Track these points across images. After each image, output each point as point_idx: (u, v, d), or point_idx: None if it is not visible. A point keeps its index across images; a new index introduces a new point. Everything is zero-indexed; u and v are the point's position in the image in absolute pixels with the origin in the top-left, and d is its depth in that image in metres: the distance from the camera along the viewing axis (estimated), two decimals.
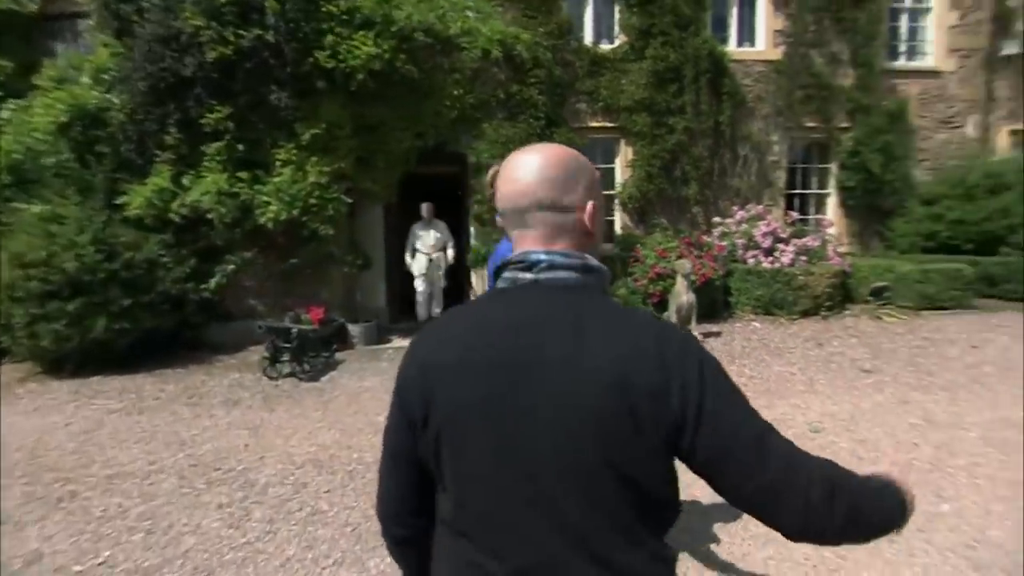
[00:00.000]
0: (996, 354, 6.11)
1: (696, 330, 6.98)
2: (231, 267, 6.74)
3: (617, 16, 9.28)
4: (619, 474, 0.82)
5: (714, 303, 8.05)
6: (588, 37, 9.29)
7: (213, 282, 6.67)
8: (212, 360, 6.65)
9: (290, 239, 6.90)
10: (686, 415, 0.81)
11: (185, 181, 6.44)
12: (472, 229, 8.12)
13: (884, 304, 7.87)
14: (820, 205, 10.22)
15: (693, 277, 7.20)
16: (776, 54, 9.54)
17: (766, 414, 0.87)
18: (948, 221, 8.90)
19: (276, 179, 6.44)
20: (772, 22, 9.54)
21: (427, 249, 7.52)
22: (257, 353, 6.85)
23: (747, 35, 9.74)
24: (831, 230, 9.29)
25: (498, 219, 0.99)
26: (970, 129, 10.13)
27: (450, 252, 7.71)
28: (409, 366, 0.95)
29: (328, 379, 6.03)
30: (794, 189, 10.05)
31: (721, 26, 9.60)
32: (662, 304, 7.96)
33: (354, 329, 7.24)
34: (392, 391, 0.97)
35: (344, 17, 6.34)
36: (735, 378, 0.89)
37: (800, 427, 4.34)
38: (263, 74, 6.38)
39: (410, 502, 0.99)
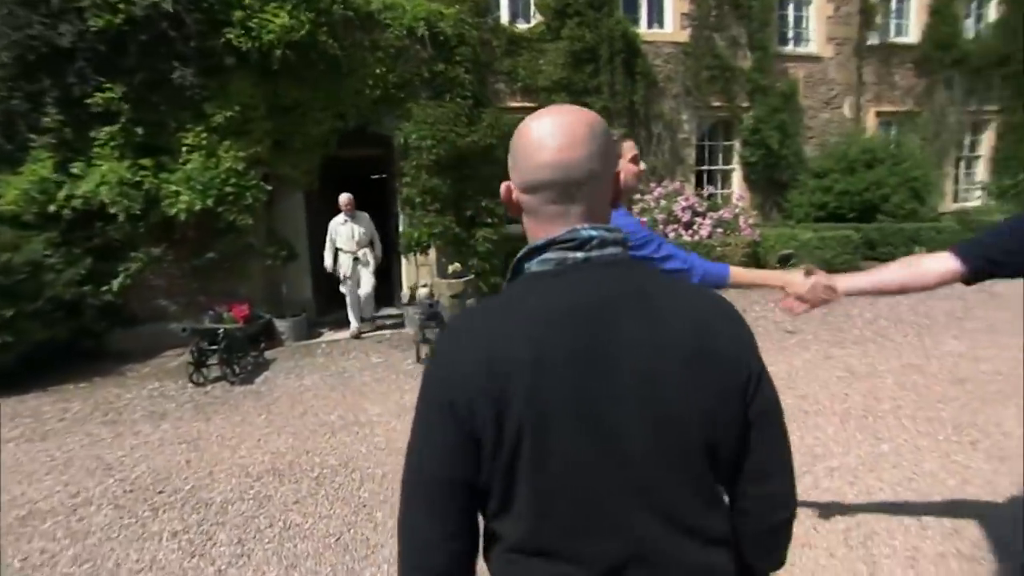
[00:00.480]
0: (887, 309, 6.93)
1: None
2: (136, 265, 5.99)
3: None
4: (707, 444, 0.82)
5: None
6: (504, 16, 9.20)
7: (116, 283, 5.89)
8: (122, 370, 5.93)
9: (203, 231, 6.26)
10: (751, 376, 0.84)
11: (74, 170, 5.60)
12: (401, 214, 7.81)
13: (791, 269, 8.61)
14: (725, 180, 10.95)
15: None
16: (683, 36, 9.99)
17: None
18: (835, 192, 9.92)
19: (186, 166, 5.79)
20: (679, 5, 9.96)
21: (350, 247, 6.69)
22: (174, 359, 6.23)
23: (656, 17, 10.11)
24: (741, 203, 9.99)
25: (519, 195, 0.87)
26: (846, 110, 11.27)
27: (377, 248, 6.94)
28: (461, 371, 0.80)
29: (263, 380, 5.59)
30: (703, 165, 10.67)
31: (632, 7, 9.87)
32: None
33: (282, 325, 6.77)
34: (426, 408, 0.83)
35: None
36: None
37: None
38: (162, 48, 5.66)
39: (460, 544, 0.84)
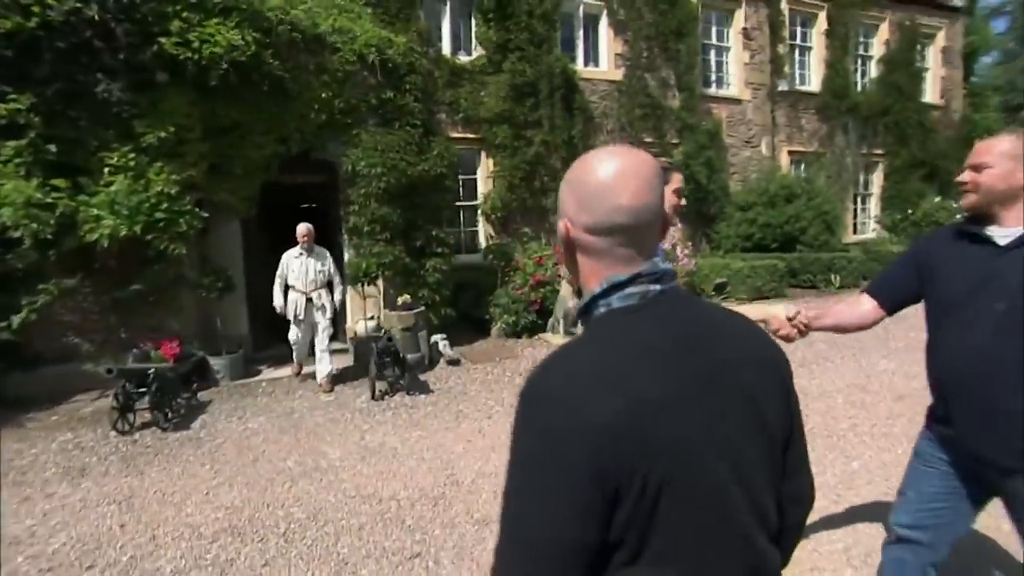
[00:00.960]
0: (821, 334, 7.38)
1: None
2: (44, 298, 5.23)
3: (474, 29, 9.37)
4: (782, 447, 0.90)
5: None
6: (446, 48, 9.24)
7: (17, 319, 5.11)
8: (21, 421, 5.11)
9: (128, 260, 5.61)
10: (791, 381, 0.94)
11: None
12: (348, 244, 7.45)
13: (725, 297, 9.08)
14: None
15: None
16: (618, 75, 10.47)
17: None
18: (759, 224, 10.64)
19: (109, 188, 5.20)
20: (613, 46, 10.46)
21: (303, 286, 5.75)
22: (88, 404, 5.49)
23: (592, 56, 10.54)
24: (678, 234, 10.45)
25: (582, 234, 0.87)
26: (764, 148, 12.22)
27: (337, 291, 5.99)
28: (597, 420, 0.73)
29: (200, 425, 5.02)
30: None
31: (569, 46, 10.24)
32: (543, 311, 8.18)
33: (217, 363, 6.16)
34: (550, 466, 0.74)
35: (193, 0, 5.39)
36: None
37: None
38: (84, 58, 5.12)
39: None
